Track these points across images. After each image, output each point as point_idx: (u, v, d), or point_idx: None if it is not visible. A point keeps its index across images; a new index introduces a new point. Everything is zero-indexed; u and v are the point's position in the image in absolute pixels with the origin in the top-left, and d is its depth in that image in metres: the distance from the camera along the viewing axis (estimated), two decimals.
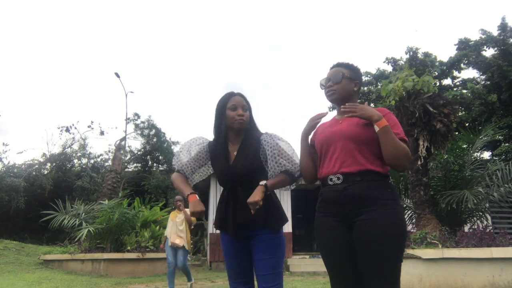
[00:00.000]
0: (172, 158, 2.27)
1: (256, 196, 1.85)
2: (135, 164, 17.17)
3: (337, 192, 1.75)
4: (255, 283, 2.07)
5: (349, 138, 1.78)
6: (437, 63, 18.38)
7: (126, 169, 16.20)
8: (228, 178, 2.04)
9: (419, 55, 18.19)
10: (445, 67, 18.39)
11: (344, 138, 1.79)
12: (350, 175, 1.74)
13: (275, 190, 2.09)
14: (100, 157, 16.96)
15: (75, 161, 16.70)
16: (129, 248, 8.26)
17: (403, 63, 17.88)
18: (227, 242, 2.07)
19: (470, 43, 17.50)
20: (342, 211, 1.74)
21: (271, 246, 1.98)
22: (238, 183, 2.00)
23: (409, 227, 6.34)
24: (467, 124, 15.26)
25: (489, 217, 6.90)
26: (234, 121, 2.03)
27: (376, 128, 1.70)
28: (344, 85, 1.90)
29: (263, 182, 1.91)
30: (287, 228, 10.86)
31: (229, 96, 2.09)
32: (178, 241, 5.85)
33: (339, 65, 1.97)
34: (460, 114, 16.21)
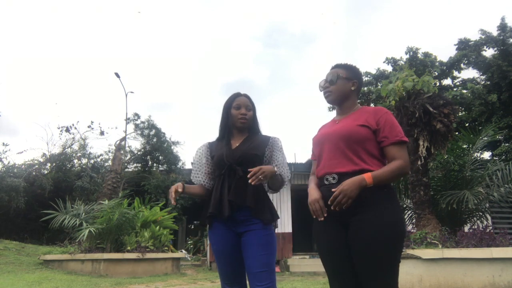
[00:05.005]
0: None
1: (265, 167, 1.89)
2: (135, 164, 17.12)
3: (332, 192, 1.74)
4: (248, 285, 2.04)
5: (343, 138, 1.79)
6: (437, 63, 18.35)
7: (126, 169, 16.15)
8: (229, 159, 2.05)
9: (419, 55, 18.18)
10: (445, 67, 18.37)
11: (338, 138, 1.80)
12: (346, 175, 1.73)
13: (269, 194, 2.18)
14: (100, 157, 16.91)
15: (75, 161, 16.66)
16: (129, 248, 8.25)
17: (403, 63, 17.86)
18: (218, 241, 2.06)
19: (470, 43, 17.48)
20: (337, 211, 1.73)
21: (263, 243, 1.96)
22: (238, 164, 2.03)
23: (409, 227, 6.34)
24: (467, 124, 15.25)
25: (489, 217, 6.90)
26: (237, 119, 2.13)
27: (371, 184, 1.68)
28: (340, 85, 1.91)
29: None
30: (287, 228, 10.86)
31: (234, 97, 2.20)
32: None
33: (336, 66, 1.99)
34: (460, 114, 16.21)
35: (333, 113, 2.09)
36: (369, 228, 1.65)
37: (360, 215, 1.68)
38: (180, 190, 2.00)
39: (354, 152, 1.75)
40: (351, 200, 1.63)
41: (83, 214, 8.80)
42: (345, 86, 1.92)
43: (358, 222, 1.68)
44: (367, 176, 1.66)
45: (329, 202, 1.67)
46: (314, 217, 1.80)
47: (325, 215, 1.75)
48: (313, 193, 1.82)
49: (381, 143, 1.78)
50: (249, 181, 1.87)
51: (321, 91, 2.00)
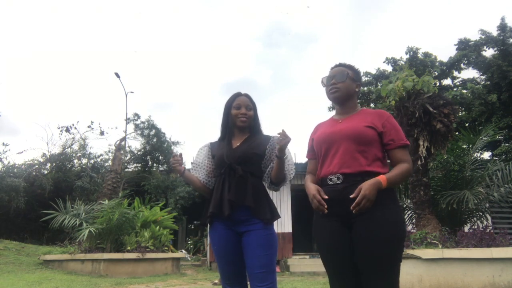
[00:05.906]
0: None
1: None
2: (135, 164, 17.14)
3: (336, 192, 1.75)
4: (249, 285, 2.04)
5: (351, 139, 1.78)
6: (437, 63, 18.35)
7: (126, 169, 16.17)
8: (229, 158, 2.06)
9: (419, 55, 18.18)
10: (445, 67, 18.37)
11: (345, 138, 1.79)
12: (351, 175, 1.74)
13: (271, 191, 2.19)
14: (100, 157, 16.92)
15: (75, 161, 16.68)
16: (129, 248, 8.24)
17: (403, 63, 17.85)
18: (218, 241, 2.06)
19: (470, 43, 17.48)
20: (342, 211, 1.74)
21: (264, 242, 1.96)
22: (238, 163, 2.04)
23: (409, 227, 6.33)
24: (467, 124, 15.25)
25: (489, 217, 6.89)
26: (237, 119, 2.13)
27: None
28: (348, 84, 1.92)
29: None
30: (287, 228, 10.85)
31: (235, 96, 2.20)
32: None
33: (342, 65, 1.98)
34: (460, 114, 16.20)
35: (333, 113, 2.07)
36: (373, 227, 1.66)
37: (364, 215, 1.68)
38: (180, 159, 2.12)
39: (362, 153, 1.76)
40: (371, 203, 1.64)
41: (83, 214, 8.79)
42: (351, 86, 1.93)
43: (362, 222, 1.69)
44: (382, 179, 1.68)
45: (351, 208, 1.65)
46: (320, 213, 1.79)
47: (326, 208, 1.75)
48: (311, 188, 1.82)
49: (387, 145, 1.81)
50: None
51: (324, 87, 1.98)
